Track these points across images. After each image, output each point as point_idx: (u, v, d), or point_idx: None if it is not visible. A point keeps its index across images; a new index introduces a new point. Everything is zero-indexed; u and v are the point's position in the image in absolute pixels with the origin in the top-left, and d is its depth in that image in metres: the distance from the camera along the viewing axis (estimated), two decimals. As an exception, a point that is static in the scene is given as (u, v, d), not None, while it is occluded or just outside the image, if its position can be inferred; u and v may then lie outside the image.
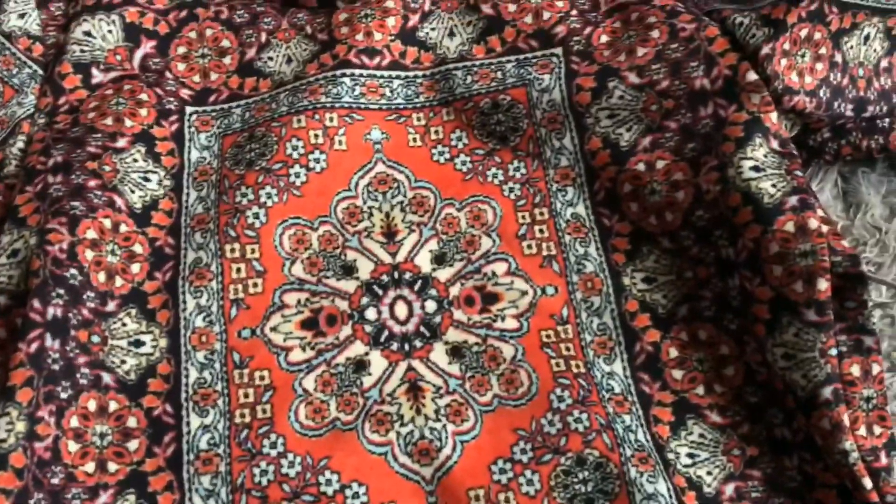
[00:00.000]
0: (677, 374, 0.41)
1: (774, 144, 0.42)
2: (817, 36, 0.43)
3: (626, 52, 0.46)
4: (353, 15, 0.49)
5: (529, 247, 0.44)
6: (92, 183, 0.44)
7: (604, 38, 0.47)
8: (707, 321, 0.42)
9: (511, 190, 0.46)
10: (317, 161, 0.46)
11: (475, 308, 0.43)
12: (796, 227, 0.39)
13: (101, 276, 0.42)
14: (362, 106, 0.47)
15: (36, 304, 0.39)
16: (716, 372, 0.41)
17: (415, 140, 0.47)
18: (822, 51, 0.43)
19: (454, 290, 0.43)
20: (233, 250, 0.44)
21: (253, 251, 0.44)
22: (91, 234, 0.43)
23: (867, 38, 0.44)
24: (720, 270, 0.42)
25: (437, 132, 0.47)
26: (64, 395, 0.39)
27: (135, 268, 0.44)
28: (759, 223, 0.40)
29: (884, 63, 0.44)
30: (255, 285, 0.43)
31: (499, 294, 0.43)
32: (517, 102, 0.47)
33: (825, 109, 0.44)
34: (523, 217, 0.45)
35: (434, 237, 0.45)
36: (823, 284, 0.38)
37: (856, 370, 0.38)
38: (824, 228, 0.39)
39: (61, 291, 0.40)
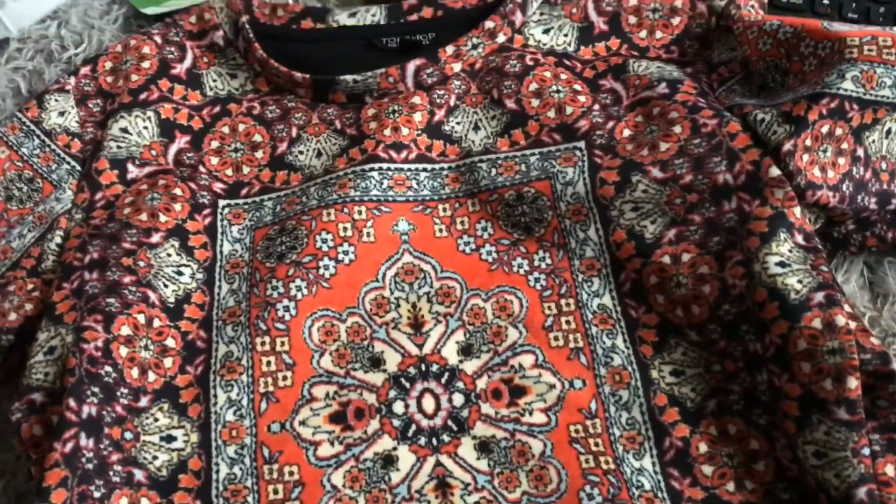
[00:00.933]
0: (707, 469, 0.41)
1: (799, 239, 0.42)
2: (839, 132, 0.44)
3: (648, 146, 0.47)
4: (380, 110, 0.51)
5: (556, 338, 0.44)
6: (127, 279, 0.45)
7: (626, 133, 0.48)
8: (736, 415, 0.41)
9: (537, 280, 0.46)
10: (345, 253, 0.47)
11: (503, 401, 0.43)
12: (823, 324, 0.39)
13: (135, 372, 0.43)
14: (390, 198, 0.48)
15: (71, 402, 0.40)
16: (746, 468, 0.40)
17: (441, 231, 0.48)
18: (844, 146, 0.44)
19: (481, 383, 0.43)
20: (263, 343, 0.45)
21: (283, 344, 0.45)
22: (125, 331, 0.43)
23: (889, 132, 0.44)
24: (748, 364, 0.42)
25: (462, 223, 0.48)
26: (97, 494, 0.39)
27: (167, 362, 0.44)
28: (786, 319, 0.40)
29: (906, 156, 0.45)
30: (285, 378, 0.44)
31: (526, 387, 0.43)
32: (542, 195, 0.48)
33: (849, 203, 0.44)
34: (549, 308, 0.45)
35: (460, 328, 0.45)
36: (853, 383, 0.38)
37: (890, 470, 0.38)
38: (852, 325, 0.39)
39: (96, 389, 0.41)
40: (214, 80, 0.54)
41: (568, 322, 0.45)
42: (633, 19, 0.52)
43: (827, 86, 0.44)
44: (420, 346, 0.45)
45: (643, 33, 0.52)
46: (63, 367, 0.42)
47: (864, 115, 0.44)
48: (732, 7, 0.51)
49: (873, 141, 0.44)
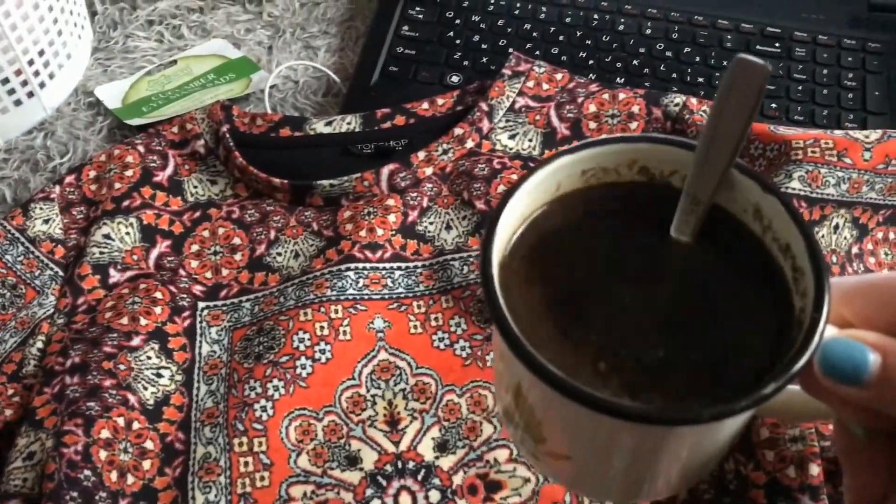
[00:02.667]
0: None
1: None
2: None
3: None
4: (356, 213, 0.53)
5: (529, 432, 0.45)
6: (107, 383, 0.46)
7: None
8: (706, 505, 0.42)
9: (509, 375, 0.47)
10: (322, 352, 0.48)
11: (478, 497, 0.43)
12: None
13: (114, 475, 0.43)
14: (366, 297, 0.50)
15: (49, 508, 0.40)
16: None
17: (416, 327, 0.49)
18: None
19: (457, 479, 0.44)
20: (241, 444, 0.45)
21: (260, 444, 0.45)
22: (105, 434, 0.44)
23: (836, 227, 0.47)
24: (715, 454, 0.43)
25: (436, 319, 0.50)
26: None
27: (146, 464, 0.45)
28: (749, 409, 0.41)
29: (854, 249, 0.47)
30: (263, 479, 0.44)
31: (502, 482, 0.44)
32: (512, 291, 0.49)
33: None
34: (522, 402, 0.46)
35: (436, 424, 0.46)
36: (815, 469, 0.39)
37: None
38: None
39: (75, 494, 0.41)
40: (195, 187, 0.56)
41: (540, 415, 0.46)
42: (593, 124, 0.55)
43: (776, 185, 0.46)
44: (396, 444, 0.45)
45: (603, 136, 0.55)
46: (42, 472, 0.42)
47: (813, 212, 0.46)
48: (686, 112, 0.54)
49: (822, 236, 0.47)
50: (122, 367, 0.47)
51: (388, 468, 0.44)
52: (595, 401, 0.24)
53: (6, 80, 0.58)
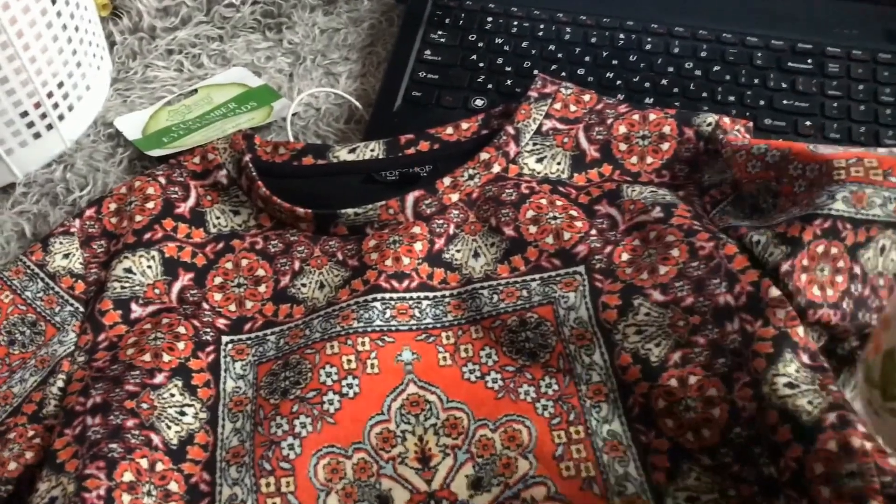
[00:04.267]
0: None
1: (805, 358, 0.42)
2: (834, 251, 0.44)
3: (647, 270, 0.47)
4: (381, 241, 0.51)
5: (567, 468, 0.44)
6: (130, 423, 0.44)
7: (625, 256, 0.49)
8: (756, 543, 0.40)
9: (545, 408, 0.46)
10: (350, 387, 0.46)
11: (516, 536, 0.42)
12: (839, 446, 0.38)
13: (137, 520, 0.42)
14: (393, 328, 0.48)
15: (72, 556, 0.39)
16: None
17: (445, 359, 0.48)
18: (841, 264, 0.44)
19: (493, 518, 0.42)
20: (268, 484, 0.44)
21: (288, 484, 0.44)
22: (128, 477, 0.42)
23: (883, 248, 0.45)
24: (764, 489, 0.41)
25: (466, 350, 0.48)
26: None
27: (170, 507, 0.43)
28: (800, 442, 0.39)
29: (902, 272, 0.46)
30: (291, 520, 0.43)
31: (540, 521, 0.42)
32: (544, 320, 0.48)
33: (850, 320, 0.44)
34: (559, 436, 0.45)
35: (469, 461, 0.44)
36: None
37: None
38: (868, 446, 0.39)
39: (97, 541, 0.40)
40: (218, 218, 0.55)
41: (578, 451, 0.44)
42: (623, 146, 0.54)
43: (818, 207, 0.45)
44: (429, 482, 0.44)
45: (634, 159, 0.53)
46: (64, 518, 0.40)
47: (858, 234, 0.45)
48: (719, 132, 0.52)
49: (868, 258, 0.45)
50: (144, 405, 0.45)
51: (421, 508, 0.43)
52: None
53: (25, 114, 0.57)
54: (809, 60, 0.59)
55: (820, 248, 0.44)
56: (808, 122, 0.57)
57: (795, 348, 0.42)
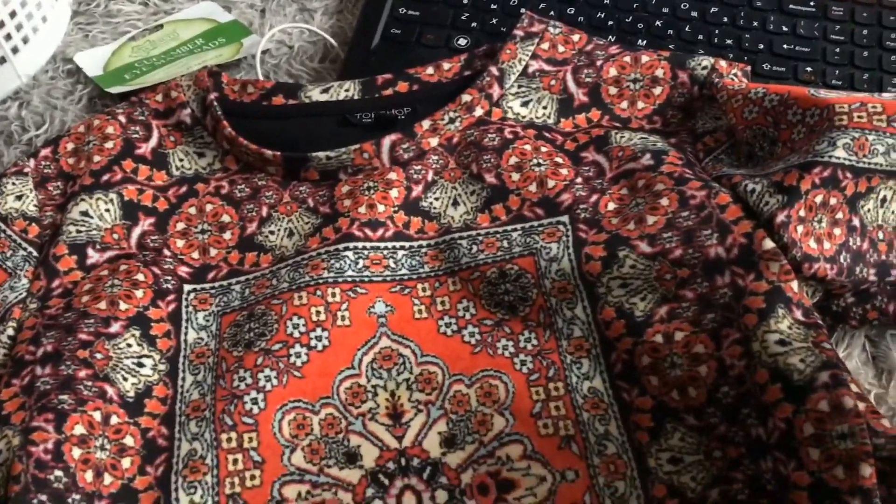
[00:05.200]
0: (714, 568, 0.37)
1: (798, 315, 0.40)
2: (833, 201, 0.42)
3: (635, 220, 0.45)
4: (355, 187, 0.49)
5: (545, 426, 0.41)
6: (82, 373, 0.42)
7: (611, 206, 0.46)
8: (742, 507, 0.38)
9: (523, 363, 0.43)
10: (318, 339, 0.44)
11: (490, 497, 0.40)
12: (831, 407, 0.36)
13: (89, 476, 0.39)
14: (366, 279, 0.46)
15: (15, 514, 0.36)
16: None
17: (420, 312, 0.45)
18: (839, 215, 0.42)
19: (466, 478, 0.40)
20: (229, 440, 0.41)
21: (251, 440, 0.41)
22: (79, 430, 0.40)
23: (884, 200, 0.42)
24: (751, 451, 0.39)
25: (443, 302, 0.46)
26: None
27: (125, 462, 0.41)
28: (790, 402, 0.37)
29: (904, 225, 0.43)
30: (253, 478, 0.40)
31: (515, 480, 0.40)
32: (525, 272, 0.45)
33: (847, 275, 0.42)
34: (537, 393, 0.42)
35: (443, 417, 0.42)
36: (867, 470, 0.35)
37: None
38: (861, 406, 0.37)
39: (44, 498, 0.37)
40: (181, 160, 0.52)
41: (557, 408, 0.42)
42: (613, 90, 0.51)
43: (818, 154, 0.42)
44: (399, 439, 0.41)
45: (624, 104, 0.51)
46: (7, 473, 0.38)
47: (858, 184, 0.42)
48: (715, 76, 0.49)
49: (868, 210, 0.42)
50: (99, 355, 0.43)
51: (391, 466, 0.41)
52: None
53: (-24, 45, 0.53)
54: (812, 2, 0.56)
55: (818, 198, 0.42)
56: (808, 68, 0.54)
57: (789, 304, 0.40)
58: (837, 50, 0.54)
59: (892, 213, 0.43)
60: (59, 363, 0.42)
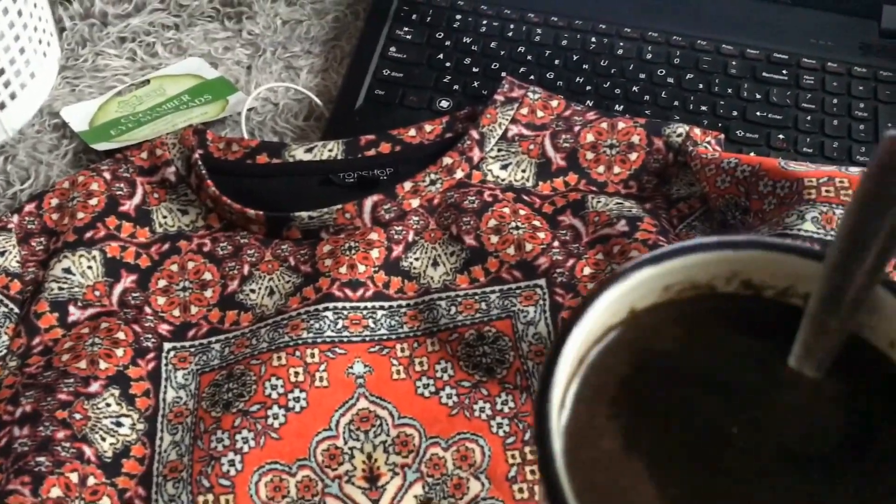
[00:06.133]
0: None
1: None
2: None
3: (610, 286, 0.46)
4: (336, 247, 0.49)
5: (521, 490, 0.42)
6: (60, 434, 0.42)
7: (587, 271, 0.47)
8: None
9: (499, 426, 0.44)
10: (296, 400, 0.44)
11: (465, 562, 0.40)
12: None
13: (63, 539, 0.39)
14: (345, 339, 0.46)
15: (-12, 581, 0.36)
16: None
17: (399, 372, 0.46)
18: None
19: (442, 542, 0.40)
20: (206, 502, 0.41)
21: (227, 502, 0.41)
22: (56, 493, 0.40)
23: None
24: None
25: (421, 363, 0.46)
26: None
27: (100, 525, 0.41)
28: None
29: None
30: (229, 540, 0.40)
31: (489, 546, 0.40)
32: (502, 334, 0.46)
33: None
34: (513, 456, 0.43)
35: (419, 480, 0.42)
36: None
37: None
38: None
39: (16, 563, 0.37)
40: (164, 217, 0.52)
41: (533, 472, 0.42)
42: (590, 155, 0.52)
43: (788, 227, 0.43)
44: (375, 502, 0.42)
45: (601, 168, 0.52)
46: (-18, 538, 0.38)
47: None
48: (689, 143, 0.51)
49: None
50: (77, 416, 0.43)
51: (367, 530, 0.41)
52: None
53: (-36, 100, 0.54)
54: (784, 71, 0.58)
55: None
56: (780, 136, 0.55)
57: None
58: (808, 118, 0.56)
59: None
60: (38, 424, 0.42)
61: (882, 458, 0.22)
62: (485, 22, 0.61)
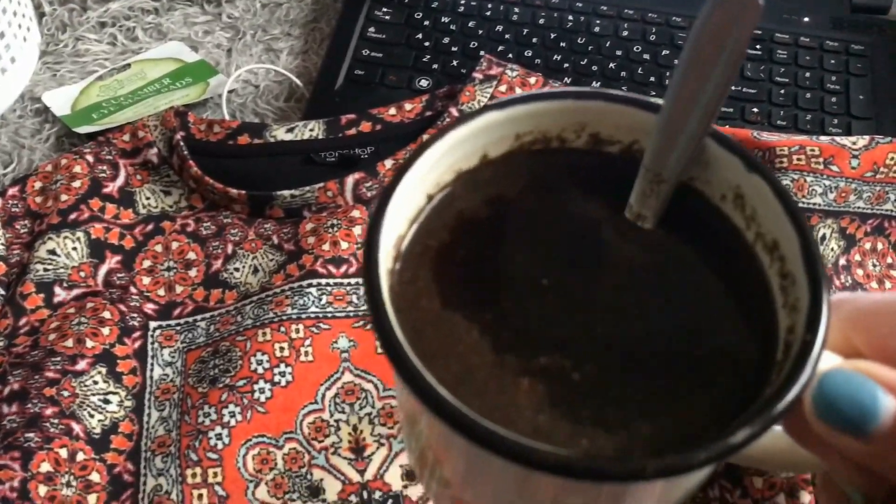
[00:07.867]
0: None
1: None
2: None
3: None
4: (319, 225, 0.50)
5: (503, 457, 0.43)
6: (49, 411, 0.42)
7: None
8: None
9: (482, 396, 0.45)
10: (282, 374, 0.45)
11: (449, 528, 0.41)
12: None
13: (54, 513, 0.40)
14: (329, 315, 0.47)
15: (-20, 553, 0.37)
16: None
17: (382, 346, 0.46)
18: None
19: (427, 510, 0.41)
20: (194, 475, 0.42)
21: (215, 475, 0.42)
22: (45, 468, 0.41)
23: (823, 238, 0.45)
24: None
25: (404, 337, 0.47)
26: None
27: (91, 499, 0.41)
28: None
29: (842, 261, 0.45)
30: (218, 512, 0.41)
31: (474, 512, 0.41)
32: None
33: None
34: (495, 425, 0.44)
35: (405, 451, 0.43)
36: (807, 498, 0.37)
37: None
38: None
39: (8, 536, 0.38)
40: (148, 198, 0.53)
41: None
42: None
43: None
44: (362, 472, 0.42)
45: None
46: (-27, 512, 0.39)
47: (798, 223, 0.44)
48: (664, 117, 0.52)
49: (809, 247, 0.45)
50: (65, 393, 0.43)
51: (353, 499, 0.41)
52: (506, 446, 0.18)
53: (-55, 86, 0.54)
54: (758, 46, 0.59)
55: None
56: (755, 109, 0.56)
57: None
58: (782, 91, 0.57)
59: (832, 249, 0.46)
60: (26, 401, 0.43)
61: (686, 295, 0.23)
62: (462, 1, 0.62)
